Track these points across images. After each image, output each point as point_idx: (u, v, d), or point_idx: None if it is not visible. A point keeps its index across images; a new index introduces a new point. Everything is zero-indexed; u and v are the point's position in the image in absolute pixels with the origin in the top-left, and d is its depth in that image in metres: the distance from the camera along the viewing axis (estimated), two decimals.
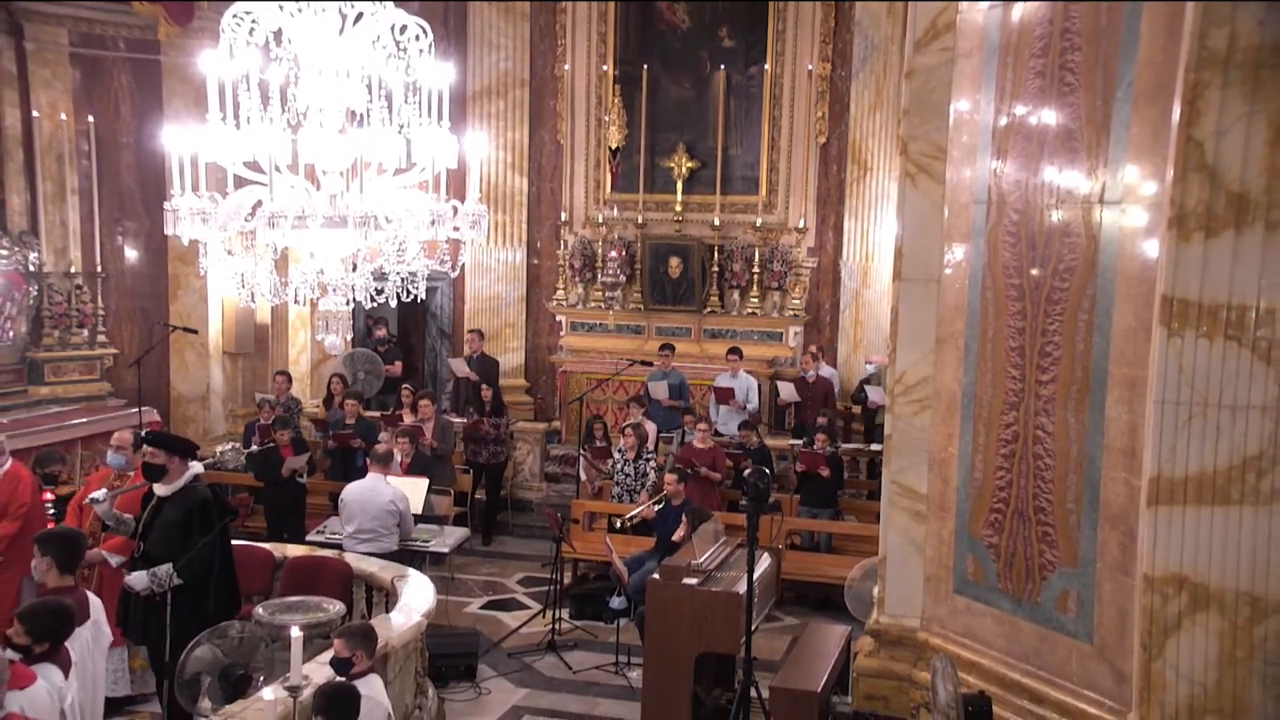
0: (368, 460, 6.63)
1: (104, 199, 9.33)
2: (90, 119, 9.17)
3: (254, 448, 7.85)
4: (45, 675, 3.51)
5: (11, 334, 8.90)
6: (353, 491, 6.34)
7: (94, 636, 4.13)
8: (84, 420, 8.49)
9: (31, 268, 8.96)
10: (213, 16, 8.09)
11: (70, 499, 5.93)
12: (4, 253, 8.74)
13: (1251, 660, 3.47)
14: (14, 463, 5.74)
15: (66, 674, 3.64)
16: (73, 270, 9.23)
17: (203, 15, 8.99)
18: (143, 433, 5.73)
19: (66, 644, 3.74)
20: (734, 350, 9.29)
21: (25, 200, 8.99)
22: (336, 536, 6.46)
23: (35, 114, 8.91)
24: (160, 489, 4.94)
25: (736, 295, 10.17)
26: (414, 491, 6.87)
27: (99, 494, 5.21)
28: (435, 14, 10.01)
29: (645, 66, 10.06)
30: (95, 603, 4.28)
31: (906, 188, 4.69)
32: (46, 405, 8.93)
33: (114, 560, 5.40)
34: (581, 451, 8.38)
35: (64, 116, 9.06)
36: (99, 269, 9.37)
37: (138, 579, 4.78)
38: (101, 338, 9.44)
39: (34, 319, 9.04)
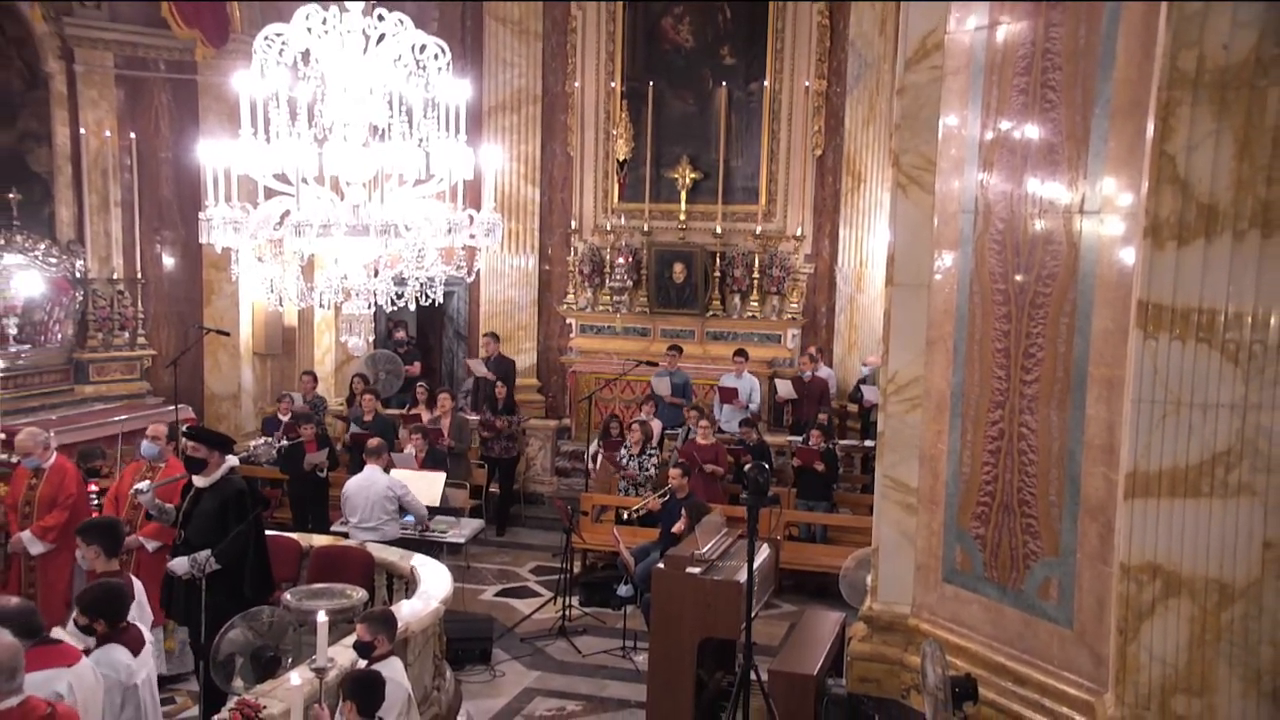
0: (363, 455, 6.69)
1: (144, 210, 9.42)
2: (132, 135, 9.27)
3: (283, 443, 7.92)
4: (110, 658, 3.56)
5: (59, 336, 8.99)
6: (352, 485, 6.47)
7: (139, 617, 4.18)
8: (125, 417, 8.57)
9: (78, 274, 9.06)
10: (246, 39, 8.17)
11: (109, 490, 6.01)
12: (53, 261, 8.84)
13: (1219, 643, 3.48)
14: (59, 456, 5.82)
15: (137, 653, 3.67)
16: (115, 277, 9.32)
17: (236, 37, 9.08)
18: (183, 429, 5.81)
19: (139, 625, 3.80)
20: (740, 352, 9.31)
21: (73, 212, 9.10)
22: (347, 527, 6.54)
23: (83, 131, 9.03)
24: (199, 481, 5.00)
25: (737, 299, 10.18)
26: (431, 485, 6.93)
27: (143, 485, 5.30)
28: (453, 34, 10.09)
29: (651, 83, 10.09)
30: (137, 585, 4.34)
31: (898, 198, 4.70)
32: (91, 403, 9.02)
33: (150, 545, 5.48)
34: (599, 448, 8.41)
35: (108, 133, 9.16)
36: (139, 275, 9.46)
37: (179, 564, 4.84)
38: (141, 340, 9.52)
39: (80, 322, 9.13)
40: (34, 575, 5.61)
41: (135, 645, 3.69)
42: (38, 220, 8.82)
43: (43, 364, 8.84)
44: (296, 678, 3.38)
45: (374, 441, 6.74)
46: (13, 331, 8.38)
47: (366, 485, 6.41)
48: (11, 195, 8.36)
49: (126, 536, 5.14)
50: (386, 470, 6.67)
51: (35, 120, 8.82)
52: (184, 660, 5.62)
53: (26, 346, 8.65)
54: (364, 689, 3.59)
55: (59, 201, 9.00)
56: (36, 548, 5.54)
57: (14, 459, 6.00)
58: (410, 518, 6.61)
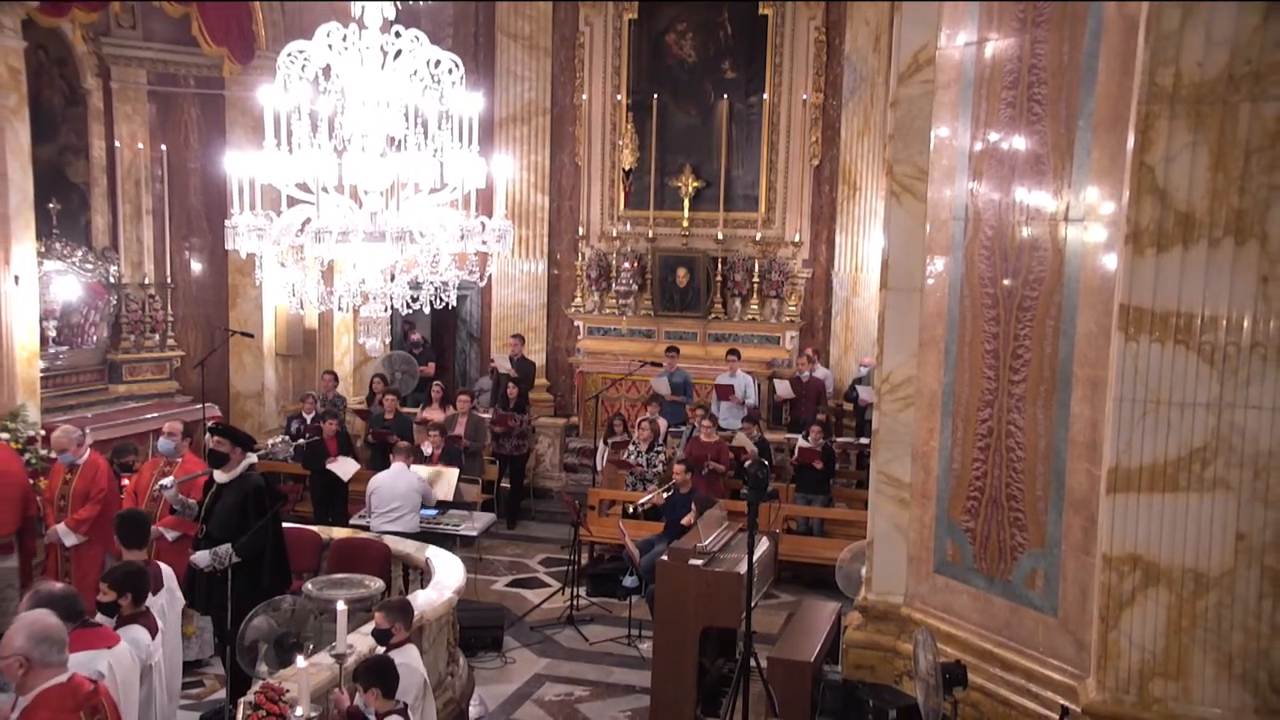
0: (391, 454, 6.75)
1: (174, 218, 9.50)
2: (163, 147, 9.36)
3: (301, 441, 7.96)
4: (133, 635, 3.61)
5: (95, 338, 9.07)
6: (379, 479, 6.55)
7: (169, 603, 4.22)
8: (155, 415, 8.65)
9: (112, 279, 9.13)
10: (270, 55, 8.24)
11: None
12: (89, 266, 8.92)
13: (1195, 629, 3.50)
14: (92, 453, 5.88)
15: (154, 636, 3.73)
16: (146, 281, 9.40)
17: (261, 54, 9.13)
18: (209, 424, 5.87)
19: (153, 611, 3.85)
20: (732, 352, 9.35)
21: (108, 220, 9.19)
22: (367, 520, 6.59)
23: (117, 144, 9.12)
24: (220, 476, 5.04)
25: (738, 302, 10.20)
26: (445, 480, 6.98)
27: (166, 481, 5.35)
28: (466, 49, 10.14)
29: (655, 96, 10.12)
30: (168, 572, 4.38)
31: (892, 206, 4.72)
32: (124, 401, 9.09)
33: (170, 535, 5.54)
34: (605, 446, 8.44)
35: (141, 146, 9.24)
36: (169, 280, 9.53)
37: (201, 557, 4.88)
38: (171, 341, 9.59)
39: (113, 325, 9.20)
40: (69, 565, 5.67)
41: (153, 628, 3.74)
42: (75, 228, 8.90)
43: (79, 364, 8.92)
44: (301, 661, 3.39)
45: (403, 443, 6.86)
46: (52, 334, 8.46)
47: (395, 480, 6.51)
48: (51, 205, 8.44)
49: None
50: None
51: (74, 134, 8.93)
52: (204, 646, 5.68)
53: (64, 348, 8.73)
54: (379, 674, 3.57)
55: (95, 210, 9.09)
56: (70, 539, 5.61)
57: (52, 455, 6.07)
58: (427, 511, 6.68)
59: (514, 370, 9.47)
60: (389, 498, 6.42)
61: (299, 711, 3.12)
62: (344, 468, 7.59)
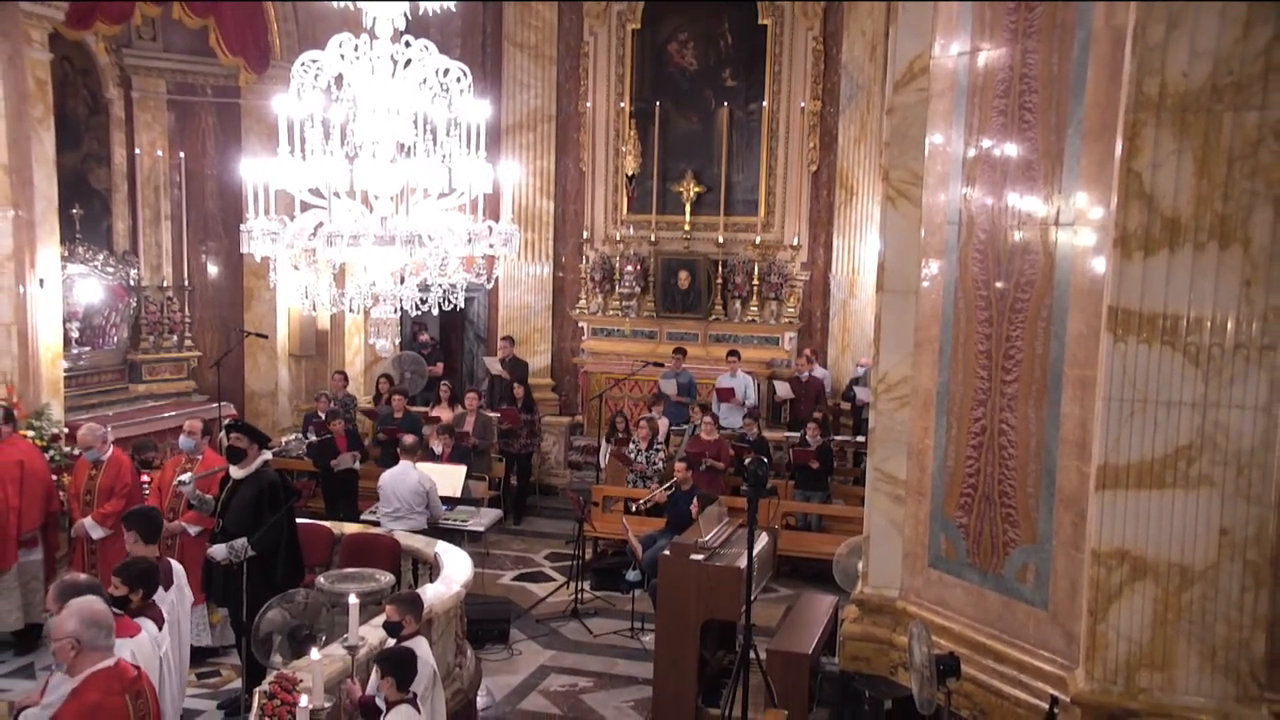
0: (398, 450, 6.73)
1: (191, 222, 9.55)
2: (181, 155, 9.42)
3: (312, 438, 7.99)
4: (144, 627, 3.64)
5: (115, 339, 9.12)
6: (386, 478, 6.48)
7: (178, 599, 4.25)
8: (173, 413, 8.70)
9: (132, 282, 9.19)
10: (284, 65, 8.29)
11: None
12: (110, 270, 8.98)
13: (1180, 622, 3.51)
14: (115, 449, 5.93)
15: (160, 628, 3.76)
16: (165, 284, 9.46)
17: (276, 64, 9.18)
18: (226, 422, 5.91)
19: (159, 604, 3.88)
20: (733, 353, 9.37)
21: (128, 225, 9.25)
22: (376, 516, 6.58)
23: (138, 151, 9.19)
24: (236, 472, 5.08)
25: (738, 304, 10.22)
26: (453, 478, 6.97)
27: (185, 477, 5.38)
28: (474, 59, 10.18)
29: (658, 103, 10.15)
30: (178, 569, 4.40)
31: (888, 210, 4.72)
32: (143, 400, 9.14)
33: (192, 530, 5.58)
34: (608, 444, 8.46)
35: (160, 153, 9.31)
36: (186, 283, 9.58)
37: (218, 551, 4.91)
38: (188, 342, 9.64)
39: (133, 326, 9.26)
40: (95, 558, 5.73)
41: (159, 620, 3.78)
42: (97, 233, 8.96)
43: (101, 364, 8.98)
44: (316, 653, 3.41)
45: (409, 439, 6.76)
46: (75, 335, 8.52)
47: (400, 478, 6.41)
48: (74, 210, 8.50)
49: (169, 523, 5.25)
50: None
51: (96, 142, 9.01)
52: (225, 635, 5.72)
53: (86, 348, 8.78)
54: (399, 665, 3.61)
55: (116, 215, 9.16)
56: (97, 532, 5.67)
57: (76, 452, 6.12)
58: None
59: (505, 371, 9.51)
60: (389, 498, 6.41)
61: (303, 702, 3.15)
62: (349, 460, 7.57)
